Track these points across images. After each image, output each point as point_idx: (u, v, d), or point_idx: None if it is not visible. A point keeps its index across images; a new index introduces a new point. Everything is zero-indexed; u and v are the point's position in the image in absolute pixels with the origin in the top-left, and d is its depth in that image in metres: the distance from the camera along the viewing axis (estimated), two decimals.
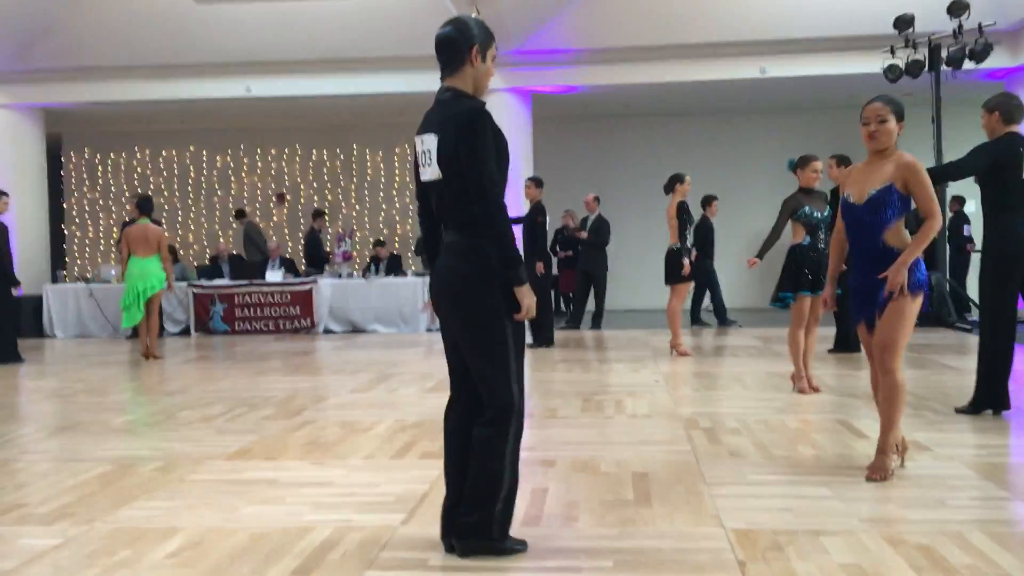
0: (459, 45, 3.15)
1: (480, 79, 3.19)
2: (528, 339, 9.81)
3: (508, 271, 3.04)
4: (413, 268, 14.66)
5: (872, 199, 4.03)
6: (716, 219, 13.07)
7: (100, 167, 17.42)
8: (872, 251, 4.06)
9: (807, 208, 6.42)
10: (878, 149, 4.10)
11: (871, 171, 4.12)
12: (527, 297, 3.07)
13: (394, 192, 17.11)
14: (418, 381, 7.61)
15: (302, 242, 17.13)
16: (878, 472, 4.04)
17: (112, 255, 16.39)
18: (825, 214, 6.49)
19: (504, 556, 3.15)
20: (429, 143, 3.12)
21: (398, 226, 17.13)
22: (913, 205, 4.11)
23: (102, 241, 17.34)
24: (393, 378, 7.85)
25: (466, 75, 3.17)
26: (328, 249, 14.57)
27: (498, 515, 3.13)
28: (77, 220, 17.46)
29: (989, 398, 5.53)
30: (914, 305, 4.01)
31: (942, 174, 5.59)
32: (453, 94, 3.15)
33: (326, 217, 15.39)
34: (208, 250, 17.05)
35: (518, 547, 3.21)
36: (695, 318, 12.77)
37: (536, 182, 10.35)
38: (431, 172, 3.13)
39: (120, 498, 4.04)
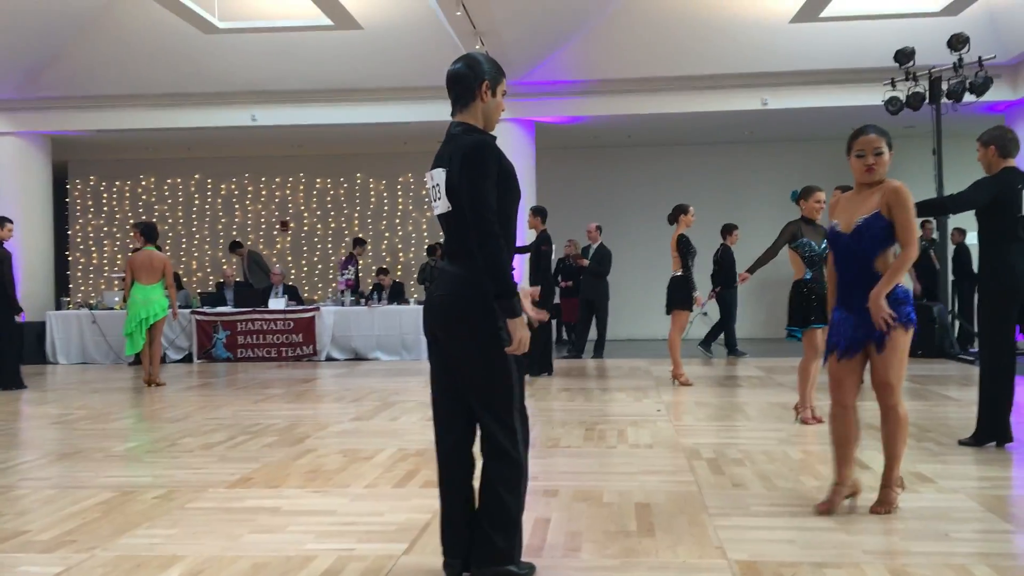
0: (469, 81, 3.21)
1: (490, 114, 3.25)
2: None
3: (501, 300, 3.04)
4: (416, 296, 14.69)
5: (859, 228, 3.97)
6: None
7: (105, 194, 17.50)
8: (863, 280, 3.97)
9: (804, 239, 6.44)
10: (875, 181, 4.05)
11: (860, 200, 4.05)
12: (520, 329, 3.06)
13: (397, 221, 17.17)
14: (420, 409, 7.60)
15: (305, 269, 17.20)
16: (884, 506, 4.02)
17: (116, 282, 16.43)
18: (823, 247, 6.51)
19: None
20: (439, 178, 3.16)
21: (400, 254, 17.17)
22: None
23: (106, 268, 17.38)
24: (395, 406, 7.84)
25: (476, 110, 3.22)
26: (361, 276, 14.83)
27: (518, 541, 3.16)
28: (81, 247, 17.52)
29: (992, 431, 5.52)
30: (907, 338, 3.96)
31: (941, 207, 5.61)
32: (463, 128, 3.20)
33: (368, 245, 15.61)
34: (212, 277, 17.10)
35: (527, 571, 3.22)
36: (707, 346, 12.77)
37: (536, 212, 10.38)
38: (442, 205, 3.17)
39: (122, 526, 4.03)
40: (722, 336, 12.82)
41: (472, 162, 3.05)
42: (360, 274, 14.74)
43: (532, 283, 10.28)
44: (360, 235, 16.26)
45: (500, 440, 3.10)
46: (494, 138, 3.20)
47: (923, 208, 5.41)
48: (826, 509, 4.02)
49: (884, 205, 3.95)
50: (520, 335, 3.06)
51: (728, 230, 12.75)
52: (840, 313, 4.11)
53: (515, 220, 3.21)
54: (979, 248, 5.56)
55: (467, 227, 3.07)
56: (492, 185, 3.05)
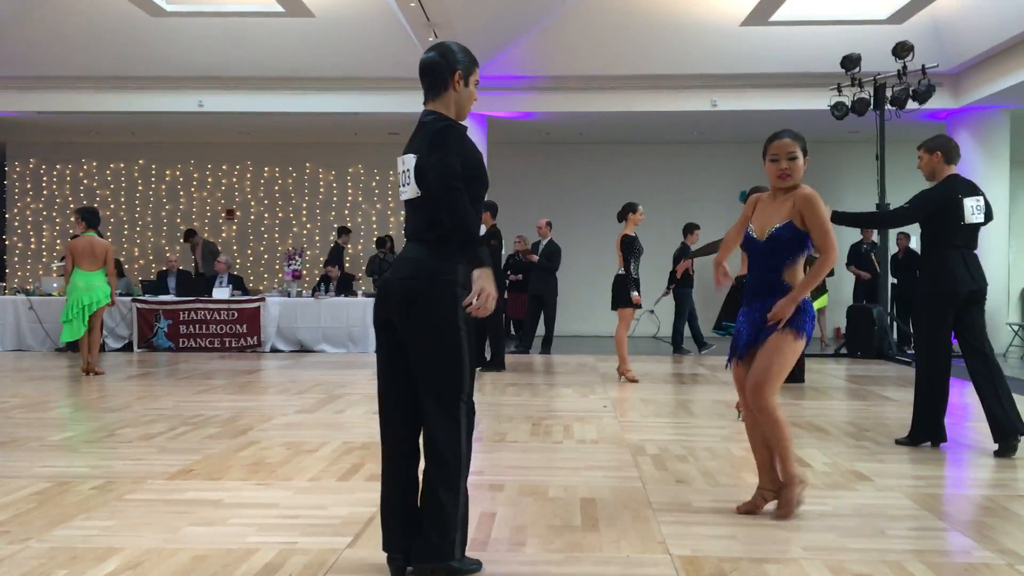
0: (442, 70, 3.21)
1: (463, 103, 3.27)
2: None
3: (468, 250, 3.05)
4: (363, 288, 14.58)
5: (772, 237, 3.95)
6: (670, 247, 13.27)
7: (45, 178, 17.07)
8: (769, 287, 3.96)
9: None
10: (789, 187, 4.02)
11: (775, 207, 4.02)
12: (484, 281, 3.04)
13: (346, 212, 17.03)
14: (366, 402, 7.56)
15: (251, 258, 16.97)
16: (786, 507, 3.95)
17: (54, 268, 16.04)
18: None
19: None
20: (408, 163, 3.18)
21: (349, 246, 17.03)
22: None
23: (44, 253, 16.97)
24: (341, 399, 7.78)
25: (448, 99, 3.23)
26: (349, 265, 14.82)
27: (459, 537, 3.12)
28: (19, 231, 17.08)
29: (927, 431, 5.67)
30: (795, 346, 3.89)
31: (876, 222, 5.70)
32: (435, 117, 3.20)
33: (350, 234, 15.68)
34: (154, 265, 16.80)
35: (473, 567, 3.21)
36: (677, 346, 12.87)
37: (486, 207, 10.37)
38: (410, 191, 3.18)
39: (57, 517, 3.94)
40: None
41: (438, 143, 3.08)
42: (348, 264, 14.77)
43: None
44: (347, 224, 16.17)
45: (440, 439, 3.07)
46: (464, 127, 3.21)
47: (858, 220, 5.53)
48: (746, 511, 4.03)
49: (797, 214, 3.92)
50: (484, 287, 3.04)
51: (690, 229, 12.94)
52: (743, 317, 4.10)
53: (481, 208, 3.20)
54: (921, 253, 5.70)
55: (430, 212, 3.09)
56: (457, 160, 3.06)
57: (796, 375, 8.66)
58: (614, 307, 9.15)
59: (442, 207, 3.05)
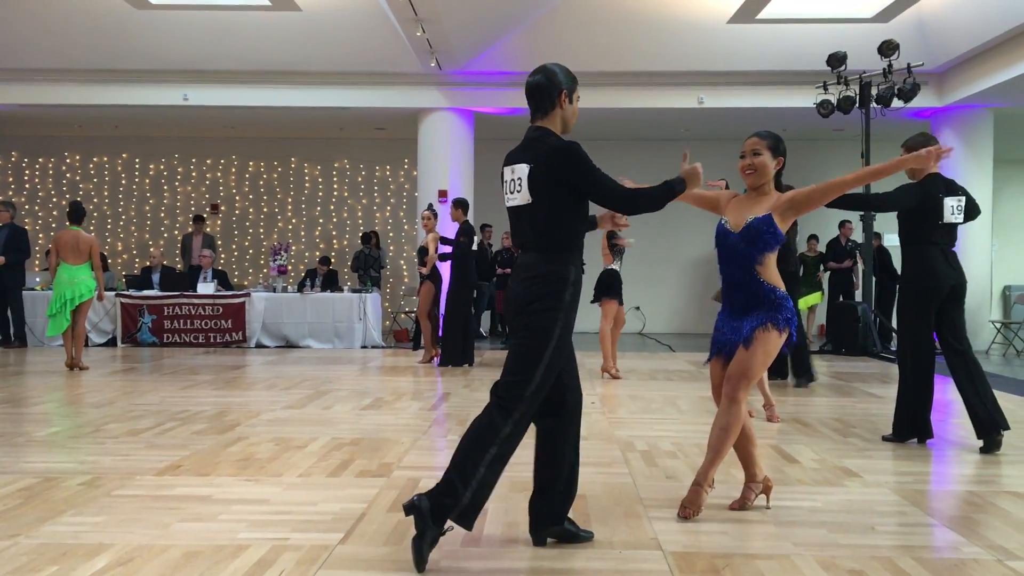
0: (550, 91, 3.52)
1: (567, 119, 3.58)
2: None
3: (672, 192, 3.55)
4: (349, 284, 14.55)
5: (749, 227, 3.92)
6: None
7: (27, 171, 16.92)
8: (743, 284, 3.94)
9: None
10: (755, 185, 4.03)
11: (751, 204, 4.02)
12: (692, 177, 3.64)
13: (331, 207, 16.96)
14: (353, 398, 7.54)
15: (236, 253, 16.87)
16: (691, 507, 3.88)
17: (36, 262, 15.90)
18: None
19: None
20: (520, 172, 3.43)
21: (335, 241, 16.97)
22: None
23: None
24: (328, 395, 7.76)
25: (555, 117, 3.53)
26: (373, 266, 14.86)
27: (463, 505, 3.20)
28: None
29: (912, 428, 5.71)
30: (777, 341, 3.88)
31: (868, 203, 5.75)
32: (542, 133, 3.48)
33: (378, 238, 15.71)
34: (138, 260, 16.69)
35: (444, 530, 3.24)
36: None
37: (457, 204, 10.36)
38: (521, 198, 3.42)
39: (45, 513, 3.91)
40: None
41: (576, 160, 3.36)
42: (376, 271, 14.77)
43: (454, 274, 10.23)
44: (369, 230, 16.09)
45: (497, 408, 3.31)
46: (576, 143, 3.46)
47: (850, 202, 5.56)
48: (738, 507, 4.06)
49: (778, 210, 3.91)
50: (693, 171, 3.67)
51: None
52: (722, 315, 4.08)
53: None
54: (902, 251, 5.75)
55: (548, 220, 3.38)
56: (599, 171, 3.37)
57: (779, 370, 8.70)
58: (596, 299, 9.17)
59: (643, 207, 3.44)
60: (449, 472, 3.25)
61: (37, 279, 13.01)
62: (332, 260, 16.28)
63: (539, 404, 3.37)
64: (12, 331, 12.43)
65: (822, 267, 14.19)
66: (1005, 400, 7.73)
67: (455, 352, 10.17)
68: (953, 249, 5.65)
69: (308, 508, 4.04)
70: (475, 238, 10.48)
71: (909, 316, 5.67)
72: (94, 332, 12.58)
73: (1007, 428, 5.46)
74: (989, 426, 5.43)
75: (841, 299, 13.92)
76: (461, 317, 10.24)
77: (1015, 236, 17.54)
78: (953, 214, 5.56)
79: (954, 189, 5.63)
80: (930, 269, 5.52)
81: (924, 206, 5.53)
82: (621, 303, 9.22)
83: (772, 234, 3.90)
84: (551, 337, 3.34)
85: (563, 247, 3.40)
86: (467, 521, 3.22)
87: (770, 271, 3.94)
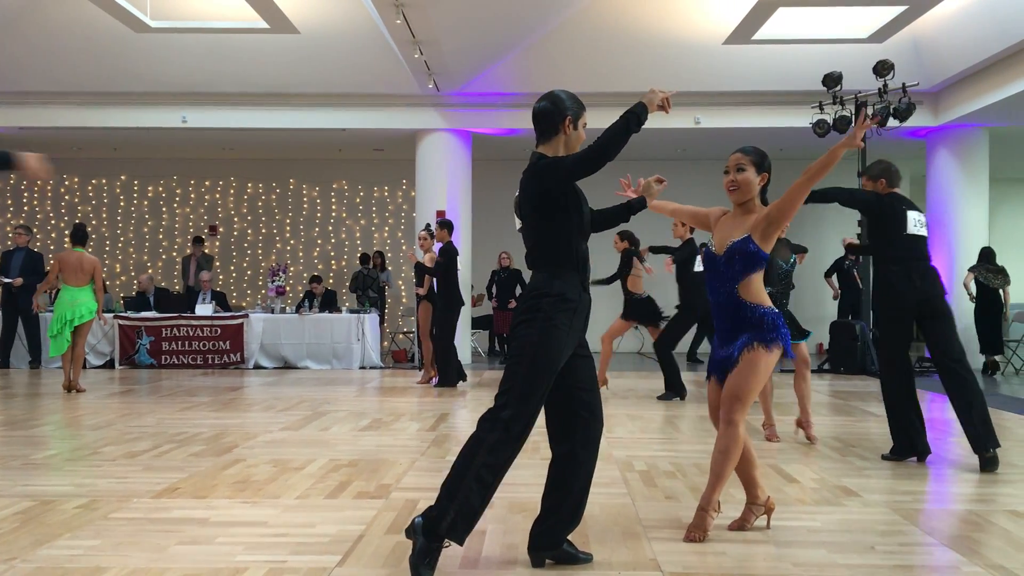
0: (554, 118, 3.52)
1: (572, 145, 3.56)
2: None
3: (633, 122, 3.44)
4: (348, 304, 14.54)
5: (730, 250, 3.91)
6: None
7: (26, 193, 16.96)
8: (727, 305, 3.93)
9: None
10: (739, 201, 4.03)
11: (735, 223, 4.01)
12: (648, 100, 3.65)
13: (330, 228, 17.00)
14: (351, 419, 7.52)
15: (234, 275, 16.88)
16: (697, 531, 3.86)
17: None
18: (791, 262, 6.70)
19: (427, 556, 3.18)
20: (518, 199, 3.53)
21: (333, 262, 16.99)
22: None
23: None
24: (326, 416, 7.74)
25: (558, 142, 3.53)
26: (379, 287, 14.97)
27: (450, 518, 3.19)
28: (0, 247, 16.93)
29: (909, 446, 5.71)
30: (769, 358, 3.86)
31: (833, 196, 5.83)
32: (536, 158, 3.50)
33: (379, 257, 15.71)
34: (136, 282, 16.69)
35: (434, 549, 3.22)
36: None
37: (443, 225, 10.40)
38: (518, 223, 3.57)
39: (42, 536, 3.89)
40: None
41: (540, 170, 3.41)
42: (375, 292, 14.78)
43: (440, 294, 10.22)
44: (370, 251, 16.13)
45: (486, 418, 3.35)
46: None
47: (818, 196, 5.68)
48: (737, 527, 4.04)
49: (757, 229, 3.90)
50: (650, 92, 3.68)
51: None
52: (716, 337, 4.07)
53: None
54: (872, 268, 5.85)
55: (536, 242, 3.46)
56: (565, 159, 3.39)
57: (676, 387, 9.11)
58: (644, 324, 9.59)
59: (608, 153, 3.31)
60: (441, 487, 3.28)
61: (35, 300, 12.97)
62: (326, 279, 16.29)
63: (532, 415, 3.31)
64: (28, 352, 12.70)
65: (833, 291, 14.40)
66: (1005, 419, 7.73)
67: (450, 374, 10.15)
68: (932, 265, 5.69)
69: (306, 530, 4.02)
70: (457, 259, 10.49)
71: (880, 335, 5.81)
72: (92, 354, 12.56)
73: (997, 446, 5.45)
74: (983, 444, 5.42)
75: (849, 318, 13.98)
76: (449, 338, 10.23)
77: (1011, 254, 17.57)
78: (915, 227, 5.66)
79: (914, 207, 5.78)
80: (891, 286, 5.61)
81: (884, 214, 5.66)
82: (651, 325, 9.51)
83: (753, 254, 3.89)
84: (530, 343, 3.33)
85: (552, 263, 3.43)
86: (456, 535, 3.21)
87: (753, 291, 3.93)
